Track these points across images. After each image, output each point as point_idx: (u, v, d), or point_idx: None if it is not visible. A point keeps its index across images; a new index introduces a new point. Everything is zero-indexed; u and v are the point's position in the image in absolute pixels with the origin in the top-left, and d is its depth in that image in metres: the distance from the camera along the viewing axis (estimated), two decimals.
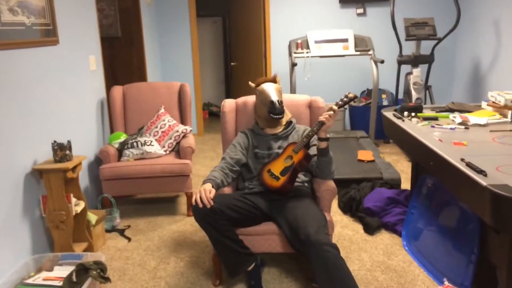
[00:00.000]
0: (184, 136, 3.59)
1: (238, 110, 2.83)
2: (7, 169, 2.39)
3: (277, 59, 5.74)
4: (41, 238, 2.67)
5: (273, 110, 2.51)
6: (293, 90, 4.75)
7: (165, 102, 3.78)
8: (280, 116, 2.53)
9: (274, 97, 2.51)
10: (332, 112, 2.26)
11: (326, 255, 2.03)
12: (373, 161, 3.96)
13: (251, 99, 2.82)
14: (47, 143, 2.78)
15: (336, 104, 2.31)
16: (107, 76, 4.75)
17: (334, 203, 3.52)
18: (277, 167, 2.37)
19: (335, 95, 5.64)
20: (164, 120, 3.62)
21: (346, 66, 5.78)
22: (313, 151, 2.46)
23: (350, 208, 3.35)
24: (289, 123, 2.63)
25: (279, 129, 2.61)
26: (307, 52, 4.86)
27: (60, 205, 2.56)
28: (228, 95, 7.81)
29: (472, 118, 2.74)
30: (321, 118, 2.28)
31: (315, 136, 2.42)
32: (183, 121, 3.80)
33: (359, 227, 3.12)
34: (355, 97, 2.34)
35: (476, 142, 2.32)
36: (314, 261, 2.06)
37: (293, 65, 4.75)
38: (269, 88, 2.56)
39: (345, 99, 2.33)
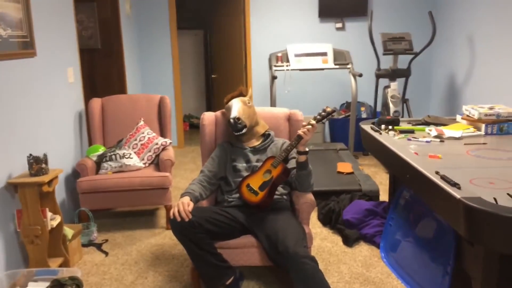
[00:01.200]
0: (163, 149, 3.56)
1: (218, 123, 2.83)
2: None
3: (258, 72, 5.76)
4: (15, 253, 2.60)
5: (232, 128, 2.51)
6: (273, 103, 4.78)
7: (144, 114, 3.76)
8: (240, 133, 2.51)
9: (233, 114, 2.50)
10: (310, 127, 2.27)
11: (305, 267, 2.03)
12: (352, 173, 3.99)
13: None
14: (22, 156, 2.73)
15: (315, 119, 2.33)
16: (86, 88, 4.70)
17: (314, 215, 3.53)
18: (255, 182, 2.37)
19: (315, 108, 5.68)
20: (143, 133, 3.60)
21: (326, 79, 5.83)
22: (292, 164, 2.47)
23: (330, 220, 3.35)
24: (267, 135, 2.64)
25: (256, 142, 2.61)
26: (287, 65, 4.89)
27: (36, 220, 2.51)
28: (209, 107, 7.80)
29: (447, 131, 2.79)
30: (300, 132, 2.29)
31: (294, 149, 2.43)
32: (163, 133, 3.78)
33: (338, 239, 3.12)
34: (334, 111, 2.36)
35: (450, 155, 2.36)
36: (293, 274, 2.06)
37: (273, 78, 4.78)
38: (232, 105, 2.55)
39: (323, 113, 2.34)
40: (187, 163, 5.30)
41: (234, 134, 2.53)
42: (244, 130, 2.52)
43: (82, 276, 2.70)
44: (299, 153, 2.33)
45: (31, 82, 2.91)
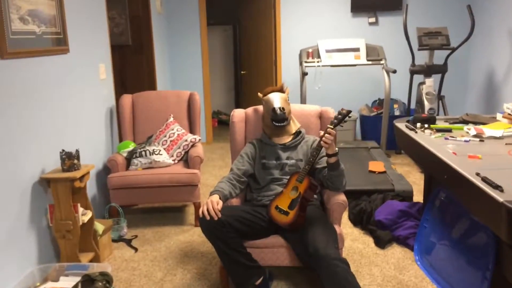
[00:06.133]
0: (192, 146, 3.59)
1: (248, 120, 2.83)
2: (15, 178, 2.40)
3: (288, 68, 5.74)
4: (47, 247, 2.66)
5: (275, 117, 2.51)
6: (303, 100, 4.73)
7: (174, 111, 3.79)
8: (282, 124, 2.53)
9: (277, 104, 2.52)
10: (329, 136, 2.24)
11: (336, 269, 2.00)
12: (384, 172, 3.93)
13: (260, 108, 2.81)
14: (55, 152, 2.79)
15: (331, 124, 2.29)
16: (117, 84, 4.77)
17: (344, 215, 3.48)
18: (284, 202, 2.32)
19: (346, 105, 5.61)
20: (173, 129, 3.62)
21: (358, 76, 5.76)
22: (323, 163, 2.44)
23: (361, 220, 3.31)
24: (298, 133, 2.63)
25: (288, 139, 2.60)
26: (318, 62, 4.84)
27: (67, 215, 2.55)
28: (238, 103, 7.81)
29: (487, 130, 2.69)
30: (321, 140, 2.26)
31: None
32: (192, 130, 3.80)
33: (369, 240, 3.08)
34: (349, 112, 2.33)
35: (491, 155, 2.27)
36: (323, 276, 2.03)
37: (304, 74, 4.74)
38: (274, 97, 2.57)
39: (340, 116, 2.31)
40: (215, 159, 5.32)
41: (274, 124, 2.54)
42: (285, 122, 2.54)
43: (112, 272, 2.74)
44: (328, 155, 2.30)
45: (63, 78, 2.97)
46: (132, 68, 5.00)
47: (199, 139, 3.65)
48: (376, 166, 4.05)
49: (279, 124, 2.54)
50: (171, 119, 3.72)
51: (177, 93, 3.85)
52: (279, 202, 2.33)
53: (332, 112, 2.78)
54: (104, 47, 3.67)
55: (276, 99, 2.55)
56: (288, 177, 2.46)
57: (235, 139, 2.80)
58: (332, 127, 2.27)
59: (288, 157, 2.54)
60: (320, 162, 2.47)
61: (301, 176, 2.32)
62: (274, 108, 2.51)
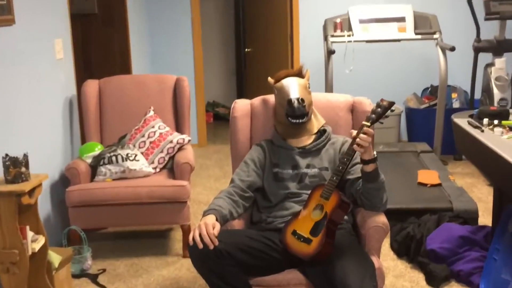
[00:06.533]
0: (180, 149, 3.59)
1: (254, 114, 2.83)
2: None
3: (308, 45, 5.74)
4: None
5: (291, 111, 2.50)
6: (329, 88, 4.73)
7: (155, 102, 3.80)
8: (301, 121, 2.53)
9: (294, 94, 2.51)
10: (364, 136, 2.24)
11: None
12: (439, 185, 3.92)
13: (271, 99, 2.82)
14: None
15: (368, 120, 2.28)
16: (78, 66, 4.77)
17: (385, 243, 3.47)
18: (304, 225, 2.30)
19: (388, 95, 5.55)
20: (153, 127, 3.63)
21: (403, 55, 5.75)
22: (356, 172, 2.44)
23: (407, 250, 3.32)
24: (323, 132, 2.63)
25: (308, 140, 2.60)
26: (349, 36, 4.83)
27: (12, 241, 2.55)
28: (241, 93, 7.81)
29: None
30: (353, 143, 2.26)
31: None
32: (179, 127, 3.81)
33: (420, 277, 3.08)
34: (391, 104, 2.31)
35: None
36: None
37: (330, 53, 4.73)
38: (290, 84, 2.56)
39: (379, 109, 2.30)
40: (211, 167, 5.32)
41: (290, 121, 2.54)
42: (305, 119, 2.54)
43: None
44: (364, 161, 2.29)
45: (7, 58, 2.98)
46: (99, 44, 5.01)
47: (189, 140, 3.65)
48: (428, 176, 4.03)
49: (297, 121, 2.53)
50: (151, 113, 3.72)
51: (160, 79, 3.86)
52: (297, 226, 2.32)
53: (368, 104, 2.78)
54: (62, 16, 3.69)
55: (293, 87, 2.54)
56: (309, 191, 2.44)
57: (237, 140, 2.80)
58: (368, 124, 2.27)
59: (309, 164, 2.54)
60: (352, 172, 2.47)
61: (327, 190, 2.31)
62: (290, 100, 2.50)
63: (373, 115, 2.30)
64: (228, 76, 7.99)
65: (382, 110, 2.30)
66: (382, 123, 2.34)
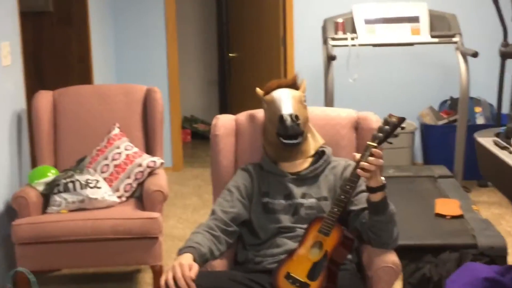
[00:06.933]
0: (151, 173, 3.60)
1: (240, 133, 2.86)
2: None
3: (303, 49, 5.77)
4: None
5: (283, 130, 2.50)
6: (329, 101, 4.74)
7: (121, 117, 3.81)
8: (295, 141, 2.52)
9: (286, 109, 2.51)
10: (371, 158, 2.24)
11: None
12: (460, 216, 3.91)
13: (260, 114, 2.84)
14: None
15: (374, 139, 2.29)
16: (29, 74, 4.76)
17: (397, 286, 3.47)
18: (300, 267, 2.29)
19: (398, 109, 5.57)
20: (119, 147, 3.64)
21: (417, 61, 5.79)
22: (361, 202, 2.45)
23: None
24: (321, 154, 2.64)
25: (303, 165, 2.62)
26: (352, 39, 4.85)
27: None
28: (224, 107, 7.81)
29: None
30: (357, 168, 2.27)
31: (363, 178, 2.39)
32: (150, 148, 3.83)
33: None
34: (402, 120, 2.31)
35: None
36: None
37: (330, 58, 4.74)
38: (282, 97, 2.57)
39: (386, 127, 2.30)
40: (188, 196, 5.30)
41: (282, 142, 2.53)
42: (300, 139, 2.53)
43: None
44: (371, 189, 2.30)
45: None
46: (55, 48, 4.99)
47: (161, 163, 3.66)
48: (448, 206, 4.03)
49: (290, 142, 2.52)
50: (116, 130, 3.73)
51: (127, 90, 3.88)
52: (292, 268, 2.30)
53: (375, 121, 2.76)
54: (9, 15, 3.69)
55: (286, 100, 2.56)
56: (304, 226, 2.44)
57: (220, 164, 2.81)
58: (375, 144, 2.27)
59: (305, 193, 2.55)
60: (356, 202, 2.47)
61: (327, 224, 2.30)
62: (282, 116, 2.50)
63: (380, 134, 2.30)
64: (208, 87, 7.99)
65: (391, 128, 2.30)
66: (391, 143, 2.34)
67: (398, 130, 2.33)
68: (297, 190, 2.55)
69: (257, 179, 2.62)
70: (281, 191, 2.56)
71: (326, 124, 2.80)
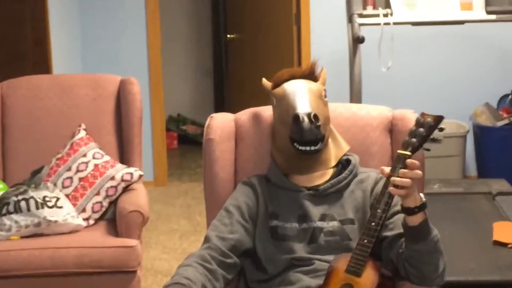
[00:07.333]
0: (126, 189, 3.60)
1: (241, 137, 2.86)
2: None
3: (323, 29, 5.81)
4: None
5: (298, 134, 2.48)
6: (356, 96, 4.74)
7: (88, 116, 3.82)
8: (313, 148, 2.50)
9: (302, 107, 2.49)
10: (405, 171, 2.21)
11: None
12: None
13: (268, 112, 2.83)
14: None
15: (406, 147, 2.26)
16: None
17: None
18: None
19: (444, 106, 5.59)
20: (85, 155, 3.63)
21: (469, 44, 5.81)
22: (397, 226, 2.43)
23: None
24: (345, 164, 2.64)
25: (323, 178, 2.61)
26: (386, 15, 4.86)
27: None
28: (220, 103, 7.84)
29: None
30: (389, 185, 2.24)
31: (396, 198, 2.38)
32: (125, 156, 3.84)
33: None
34: (439, 120, 2.28)
35: None
36: None
37: (357, 41, 4.75)
38: (297, 91, 2.56)
39: (421, 130, 2.27)
40: (174, 218, 5.31)
41: (297, 149, 2.51)
42: (320, 145, 2.51)
43: None
44: (407, 211, 2.27)
45: None
46: (3, 29, 5.01)
47: (140, 176, 3.66)
48: (509, 232, 4.03)
49: (308, 149, 2.51)
50: (82, 133, 3.73)
51: (96, 81, 3.89)
52: None
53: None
54: None
55: (302, 95, 2.54)
56: (324, 257, 2.45)
57: (215, 176, 2.79)
58: (408, 153, 2.25)
59: (325, 215, 2.53)
60: (390, 225, 2.45)
61: (357, 261, 2.28)
62: (297, 116, 2.47)
63: (413, 139, 2.27)
64: (201, 78, 8.02)
65: (426, 131, 2.26)
66: (428, 149, 2.31)
67: (439, 133, 2.30)
68: (315, 210, 2.53)
69: (263, 196, 2.61)
70: (295, 211, 2.54)
71: (352, 125, 2.80)
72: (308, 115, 2.46)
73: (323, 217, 2.52)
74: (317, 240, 2.50)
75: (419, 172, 2.22)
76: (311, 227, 2.51)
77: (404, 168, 2.20)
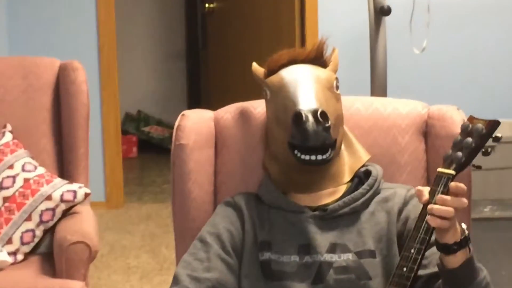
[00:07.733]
0: (68, 212, 3.59)
1: (223, 141, 2.87)
2: None
3: (332, 1, 5.82)
4: None
5: (300, 138, 2.45)
6: (379, 86, 4.76)
7: (17, 114, 3.83)
8: (320, 158, 2.47)
9: (306, 102, 2.48)
10: (446, 198, 2.17)
11: None
12: None
13: (259, 109, 2.84)
14: None
15: (450, 163, 2.23)
16: None
17: None
18: None
19: (497, 102, 5.62)
20: (12, 167, 3.63)
21: None
22: (432, 264, 2.41)
23: None
24: (364, 177, 2.63)
25: (333, 195, 2.60)
26: None
27: None
28: (196, 97, 7.88)
29: None
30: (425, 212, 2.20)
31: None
32: (66, 168, 3.84)
33: None
34: (495, 125, 2.24)
35: None
36: None
37: (381, 13, 4.77)
38: (299, 80, 2.55)
39: (469, 140, 2.23)
40: (133, 251, 5.32)
41: (299, 158, 2.49)
42: (329, 154, 2.48)
43: None
44: (443, 248, 2.23)
45: None
46: None
47: (86, 194, 3.65)
48: None
49: (313, 159, 2.50)
50: (8, 137, 3.73)
51: (27, 66, 3.89)
52: None
53: (459, 121, 2.70)
54: None
55: (305, 86, 2.53)
56: None
57: (188, 195, 2.80)
58: (451, 172, 2.22)
59: (336, 244, 2.50)
60: (426, 262, 2.40)
61: None
62: (298, 113, 2.45)
63: (459, 153, 2.23)
64: (169, 63, 8.06)
65: (477, 141, 2.23)
66: (480, 167, 2.29)
67: (494, 144, 2.28)
68: (322, 239, 2.50)
69: (251, 220, 2.59)
70: (294, 240, 2.51)
71: (374, 127, 2.80)
72: (314, 112, 2.43)
73: (333, 248, 2.50)
74: (325, 279, 2.47)
75: (464, 201, 2.16)
76: (316, 261, 2.48)
77: (446, 193, 2.18)
